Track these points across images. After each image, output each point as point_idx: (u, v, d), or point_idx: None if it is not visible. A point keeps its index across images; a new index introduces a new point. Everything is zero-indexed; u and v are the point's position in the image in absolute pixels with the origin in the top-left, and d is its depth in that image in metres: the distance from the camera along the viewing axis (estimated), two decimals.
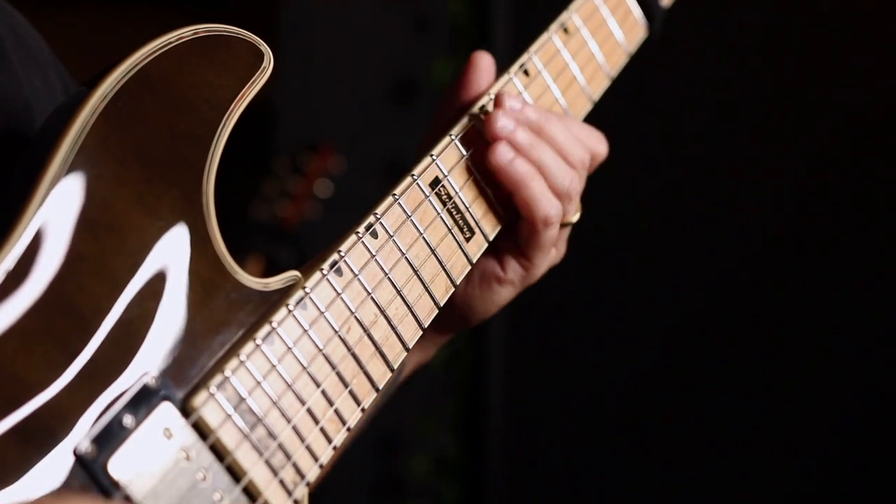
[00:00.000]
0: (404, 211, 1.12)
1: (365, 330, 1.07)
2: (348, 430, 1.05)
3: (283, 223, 3.03)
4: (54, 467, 0.88)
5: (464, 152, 1.18)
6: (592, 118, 1.33)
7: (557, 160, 1.21)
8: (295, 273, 1.05)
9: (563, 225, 1.25)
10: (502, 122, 1.18)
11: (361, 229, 1.08)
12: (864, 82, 2.70)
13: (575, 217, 1.25)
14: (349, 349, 1.05)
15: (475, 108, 1.21)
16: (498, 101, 1.20)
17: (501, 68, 1.28)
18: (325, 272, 1.05)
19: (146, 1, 3.81)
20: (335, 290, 1.05)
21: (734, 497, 2.87)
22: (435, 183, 1.15)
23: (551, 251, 1.26)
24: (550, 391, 3.07)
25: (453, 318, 1.28)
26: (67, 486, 0.88)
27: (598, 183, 1.40)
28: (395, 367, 1.09)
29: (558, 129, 1.22)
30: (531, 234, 1.22)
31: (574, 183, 1.22)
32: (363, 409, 1.06)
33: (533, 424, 3.12)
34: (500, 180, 1.19)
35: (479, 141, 1.20)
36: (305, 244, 3.00)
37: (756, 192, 2.82)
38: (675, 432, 2.90)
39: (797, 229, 2.78)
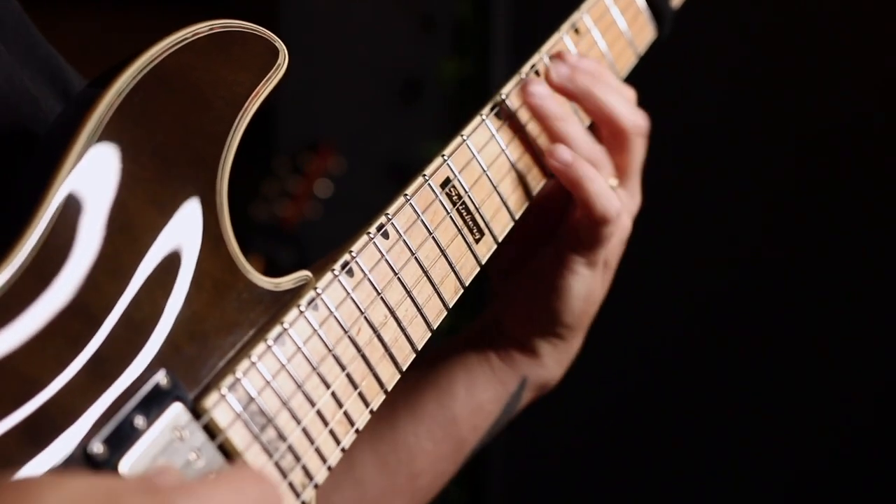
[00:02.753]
0: (415, 211, 1.12)
1: (375, 331, 1.06)
2: (357, 431, 1.04)
3: (283, 223, 3.03)
4: (65, 468, 0.87)
5: (474, 152, 1.18)
6: None
7: (619, 98, 1.27)
8: (306, 273, 1.04)
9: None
10: (558, 70, 1.25)
11: (373, 230, 1.08)
12: (867, 83, 2.71)
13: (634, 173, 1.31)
14: (359, 350, 1.05)
15: (486, 109, 1.21)
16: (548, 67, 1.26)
17: (511, 69, 1.28)
18: (336, 273, 1.04)
19: (147, 1, 3.80)
20: (346, 290, 1.04)
21: (734, 498, 2.87)
22: (445, 183, 1.15)
23: (613, 237, 1.26)
24: (553, 392, 3.06)
25: (556, 326, 1.31)
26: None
27: None
28: (404, 368, 1.09)
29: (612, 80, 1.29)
30: (587, 228, 1.24)
31: (642, 122, 1.29)
32: (371, 411, 1.06)
33: (534, 425, 3.11)
34: (560, 180, 1.22)
35: (491, 141, 1.20)
36: (305, 244, 3.00)
37: (757, 192, 2.82)
38: (676, 433, 2.91)
39: (797, 230, 2.79)
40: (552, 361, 1.35)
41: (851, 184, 2.74)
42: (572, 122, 1.24)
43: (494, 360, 1.35)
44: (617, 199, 1.23)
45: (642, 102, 1.33)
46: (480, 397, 1.34)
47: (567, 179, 1.22)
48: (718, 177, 2.85)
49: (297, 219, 3.04)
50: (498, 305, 1.35)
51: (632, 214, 1.33)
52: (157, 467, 0.90)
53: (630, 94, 1.31)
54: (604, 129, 1.29)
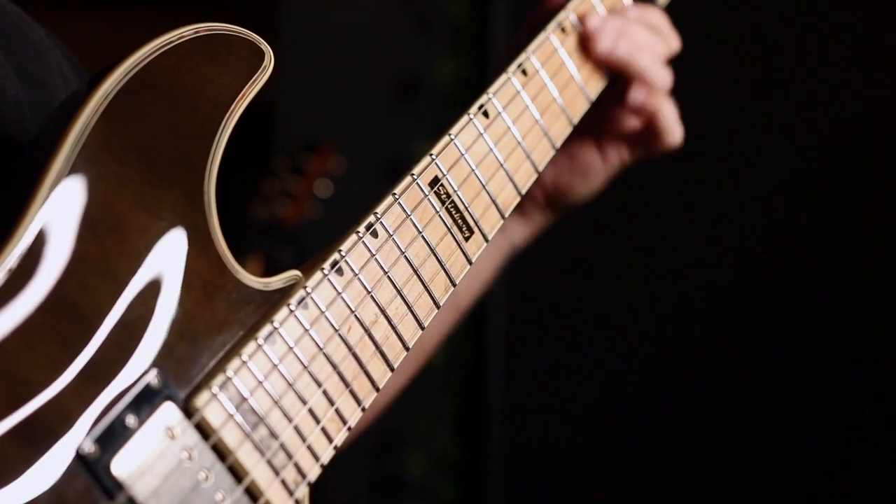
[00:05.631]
0: (404, 210, 1.12)
1: (365, 329, 1.07)
2: (349, 429, 1.05)
3: (283, 223, 3.03)
4: (57, 467, 0.88)
5: (462, 151, 1.19)
6: None
7: (652, 37, 1.40)
8: (296, 272, 1.05)
9: None
10: (593, 22, 1.35)
11: (362, 229, 1.09)
12: (857, 81, 2.71)
13: None
14: (350, 349, 1.05)
15: (473, 108, 1.22)
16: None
17: (500, 68, 1.29)
18: (326, 272, 1.05)
19: (147, 1, 3.81)
20: (336, 289, 1.05)
21: (734, 496, 2.87)
22: (434, 182, 1.16)
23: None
24: (550, 390, 3.07)
25: (555, 202, 1.45)
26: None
27: None
28: (396, 366, 1.10)
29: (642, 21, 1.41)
30: (650, 123, 1.42)
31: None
32: (363, 409, 1.07)
33: (532, 424, 3.12)
34: (610, 66, 1.36)
35: (479, 140, 1.21)
36: (305, 244, 3.00)
37: (753, 190, 2.82)
38: (676, 431, 2.91)
39: (795, 228, 2.79)
40: (535, 227, 1.49)
41: (850, 183, 2.74)
42: (636, 33, 1.38)
43: None
44: (665, 72, 1.41)
45: None
46: (477, 265, 1.38)
47: (617, 62, 1.36)
48: (709, 174, 2.85)
49: (297, 219, 3.04)
50: None
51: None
52: None
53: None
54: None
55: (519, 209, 1.44)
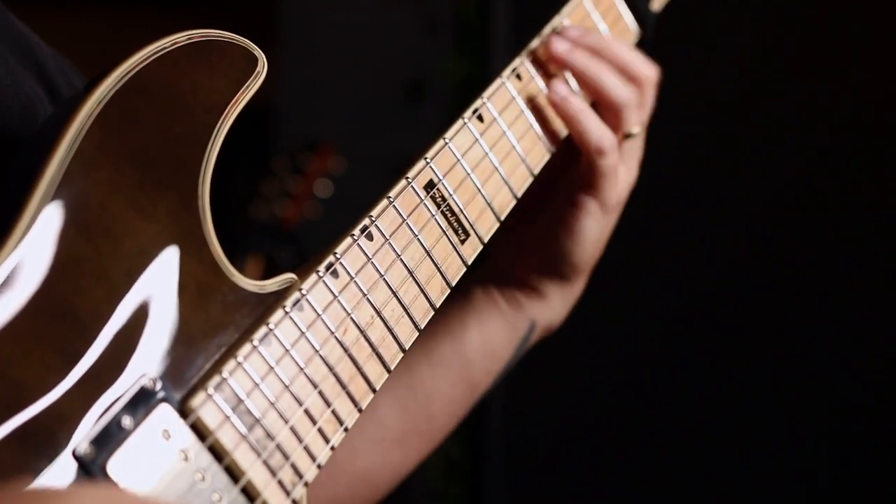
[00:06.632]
0: (399, 213, 1.13)
1: (361, 331, 1.08)
2: (345, 430, 1.06)
3: (283, 223, 3.04)
4: (54, 470, 0.88)
5: (458, 155, 1.20)
6: None
7: (612, 76, 1.31)
8: (291, 275, 1.06)
9: (624, 136, 1.33)
10: (557, 45, 1.30)
11: (357, 231, 1.09)
12: (857, 80, 2.71)
13: (635, 129, 1.33)
14: (346, 350, 1.06)
15: (468, 112, 1.22)
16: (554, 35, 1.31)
17: (501, 68, 1.29)
18: (321, 274, 1.06)
19: (147, 1, 3.82)
20: (331, 291, 1.06)
21: (734, 497, 2.87)
22: (429, 185, 1.16)
23: (618, 174, 1.32)
24: (552, 392, 3.07)
25: (567, 267, 1.37)
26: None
27: None
28: (392, 368, 1.10)
29: (619, 48, 1.33)
30: (589, 165, 1.30)
31: (631, 96, 1.31)
32: (360, 410, 1.07)
33: (535, 426, 3.12)
34: (558, 114, 1.29)
35: (474, 144, 1.21)
36: (305, 244, 3.01)
37: (752, 189, 2.82)
38: (677, 434, 2.91)
39: (794, 227, 2.79)
40: (558, 302, 1.41)
41: (850, 183, 2.74)
42: (599, 69, 1.31)
43: (503, 305, 1.40)
44: (610, 133, 1.29)
45: None
46: (493, 342, 1.39)
47: (562, 114, 1.29)
48: (707, 174, 2.85)
49: (297, 219, 3.05)
50: (505, 253, 1.40)
51: (637, 162, 1.38)
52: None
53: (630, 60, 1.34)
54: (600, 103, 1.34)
55: (529, 291, 1.39)
